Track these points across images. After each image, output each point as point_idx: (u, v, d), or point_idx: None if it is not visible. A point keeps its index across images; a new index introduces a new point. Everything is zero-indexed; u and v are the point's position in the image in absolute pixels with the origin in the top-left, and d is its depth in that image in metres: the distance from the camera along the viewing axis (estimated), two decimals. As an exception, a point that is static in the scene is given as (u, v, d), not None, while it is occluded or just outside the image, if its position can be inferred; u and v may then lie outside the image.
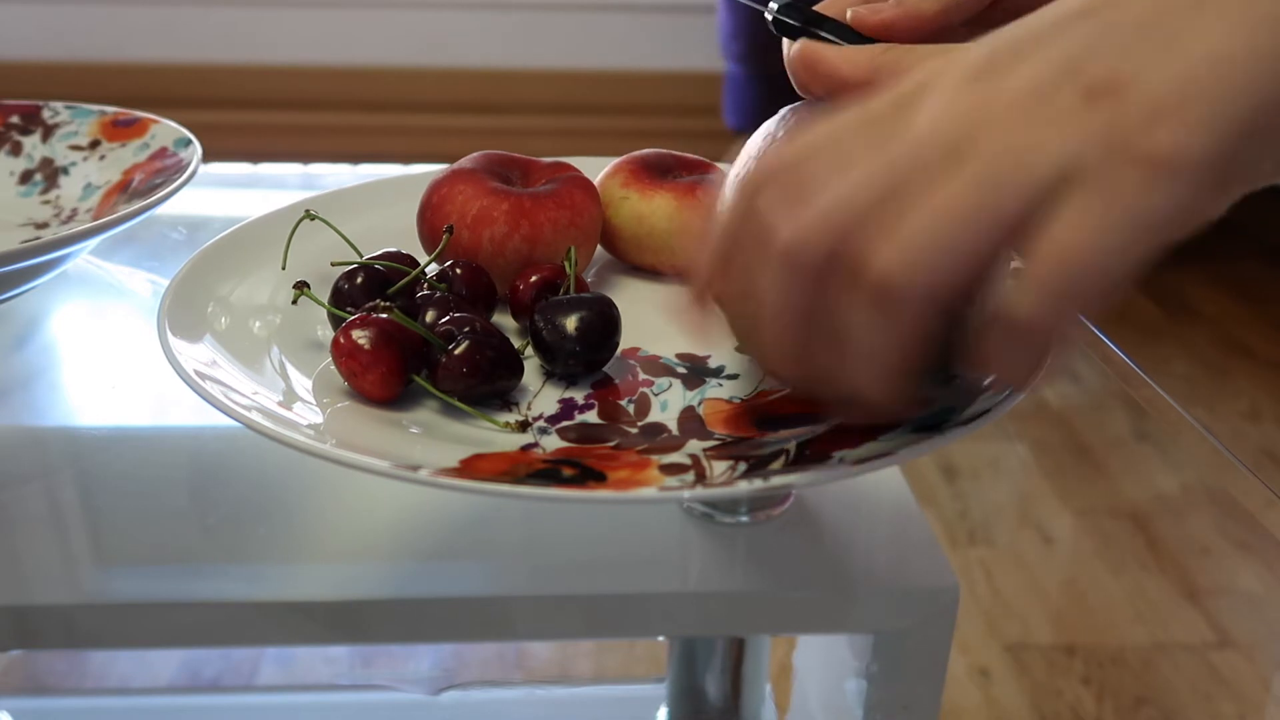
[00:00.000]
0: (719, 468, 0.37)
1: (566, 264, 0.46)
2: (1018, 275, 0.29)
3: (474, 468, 0.36)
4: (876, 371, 0.32)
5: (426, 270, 0.46)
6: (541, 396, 0.42)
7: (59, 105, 0.71)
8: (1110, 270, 0.29)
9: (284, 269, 0.48)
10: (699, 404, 0.42)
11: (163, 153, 0.65)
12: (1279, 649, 1.24)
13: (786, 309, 0.32)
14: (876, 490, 0.49)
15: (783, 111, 0.41)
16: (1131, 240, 0.28)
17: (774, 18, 0.41)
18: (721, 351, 0.46)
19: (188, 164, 0.62)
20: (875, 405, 0.33)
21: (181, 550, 0.44)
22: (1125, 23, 0.30)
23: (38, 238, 0.62)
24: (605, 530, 0.46)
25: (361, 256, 0.47)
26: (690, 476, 0.36)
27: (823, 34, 0.40)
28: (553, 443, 0.39)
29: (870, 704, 0.47)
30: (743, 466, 0.36)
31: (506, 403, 0.42)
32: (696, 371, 0.44)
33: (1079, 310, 0.30)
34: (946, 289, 0.30)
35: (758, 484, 0.35)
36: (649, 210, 0.51)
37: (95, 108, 0.70)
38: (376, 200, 0.56)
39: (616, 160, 0.54)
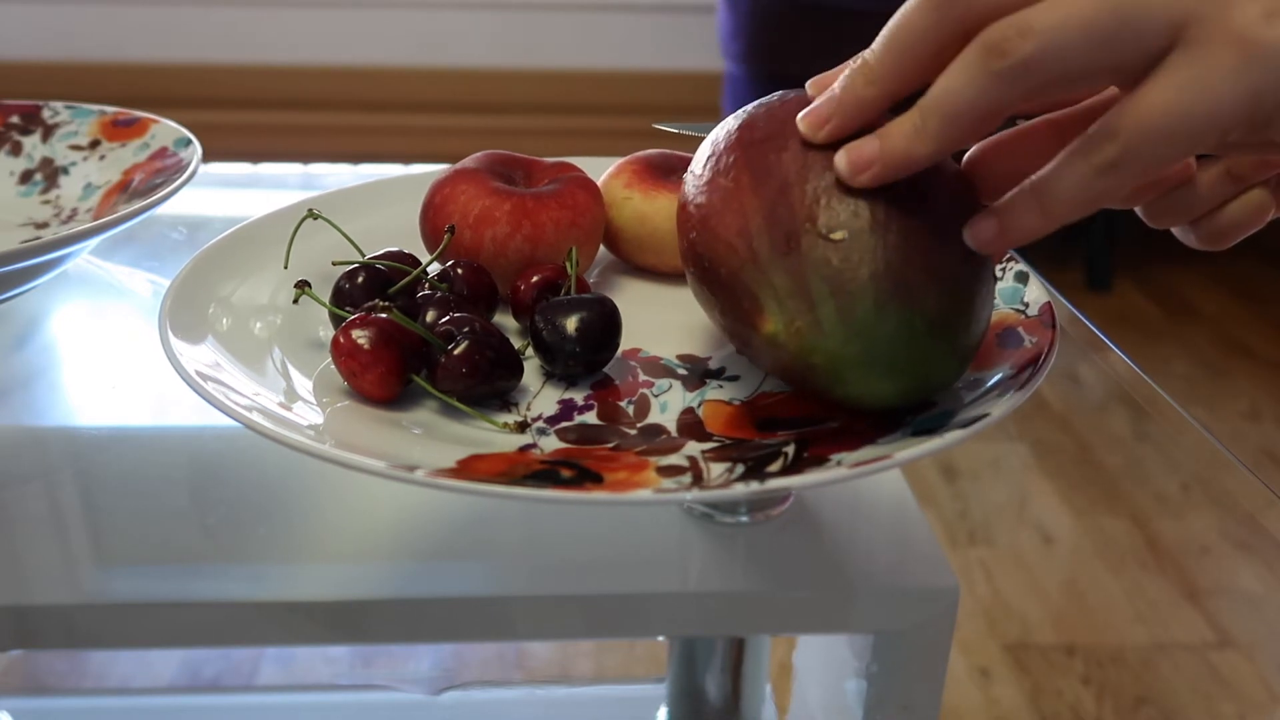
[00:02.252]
0: (717, 470, 0.37)
1: (568, 264, 0.46)
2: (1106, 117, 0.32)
3: (471, 468, 0.36)
4: (945, 112, 0.34)
5: (428, 270, 0.46)
6: (541, 397, 0.42)
7: (59, 105, 0.71)
8: (1177, 145, 0.32)
9: (286, 268, 0.48)
10: (699, 406, 0.42)
11: (163, 153, 0.65)
12: (1279, 649, 1.24)
13: (920, 28, 0.34)
14: (876, 490, 0.49)
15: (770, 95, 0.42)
16: (1206, 123, 0.31)
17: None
18: (722, 353, 0.46)
19: (188, 164, 0.62)
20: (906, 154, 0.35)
21: (181, 550, 0.44)
22: None
23: (38, 238, 0.62)
24: (605, 530, 0.46)
25: (363, 256, 0.47)
26: (688, 478, 0.36)
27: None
28: (551, 443, 0.39)
29: (870, 704, 0.47)
30: (740, 469, 0.36)
31: (506, 403, 0.42)
32: (697, 373, 0.44)
33: (1130, 175, 0.32)
34: (1045, 76, 0.32)
35: (755, 487, 0.35)
36: (652, 211, 0.51)
37: (95, 108, 0.70)
38: (379, 200, 0.56)
39: (620, 160, 0.54)
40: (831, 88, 0.37)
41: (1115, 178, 0.33)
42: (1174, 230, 0.40)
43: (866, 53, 0.36)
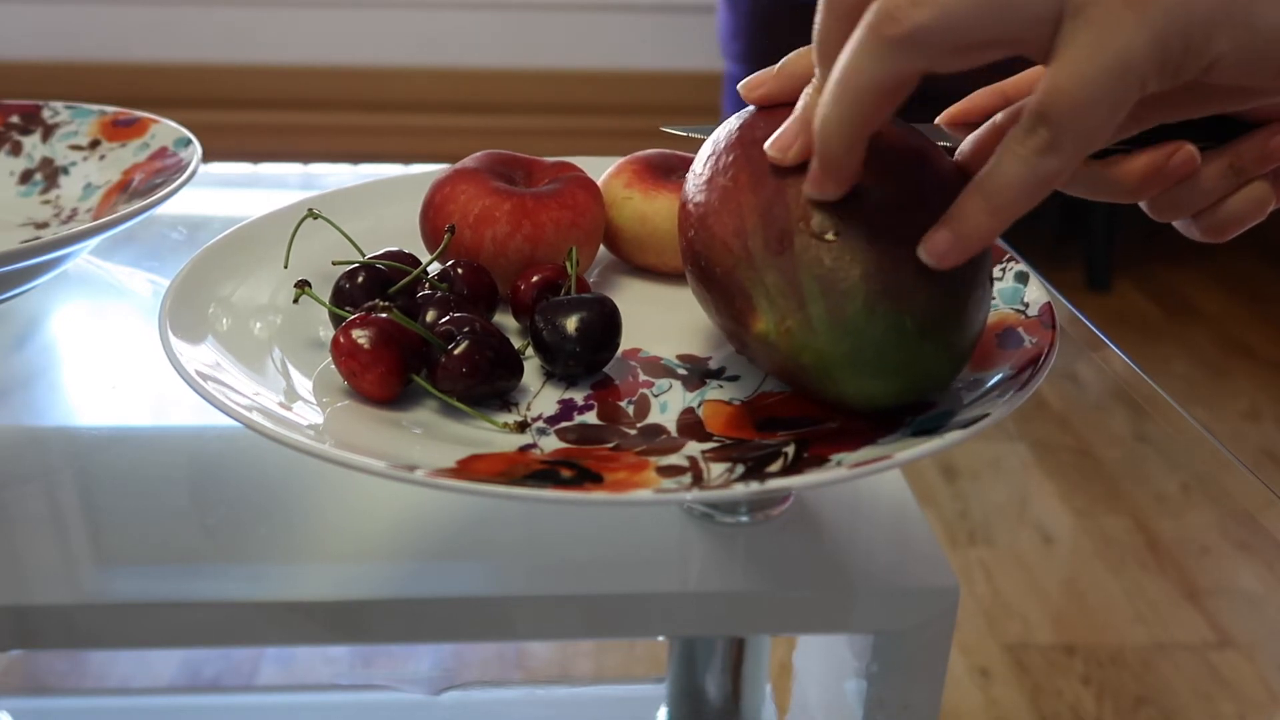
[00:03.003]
0: (717, 470, 0.37)
1: (568, 264, 0.46)
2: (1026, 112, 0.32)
3: (471, 468, 0.36)
4: (847, 86, 0.34)
5: (428, 270, 0.46)
6: (541, 397, 0.42)
7: (59, 105, 0.71)
8: (1101, 108, 0.32)
9: (286, 268, 0.48)
10: (699, 406, 0.42)
11: (163, 153, 0.65)
12: (1279, 649, 1.24)
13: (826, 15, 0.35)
14: (876, 490, 0.49)
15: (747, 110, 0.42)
16: (1119, 78, 0.31)
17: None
18: (722, 353, 0.46)
19: (188, 164, 0.62)
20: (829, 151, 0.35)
21: (181, 550, 0.44)
22: None
23: (38, 238, 0.62)
24: (605, 530, 0.46)
25: (363, 256, 0.47)
26: (688, 479, 0.36)
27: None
28: (551, 443, 0.39)
29: (870, 704, 0.47)
30: (740, 469, 0.36)
31: (506, 403, 0.42)
32: (697, 373, 0.44)
33: (1069, 152, 0.32)
34: (939, 44, 0.32)
35: (754, 487, 0.34)
36: (652, 211, 0.51)
37: (95, 108, 0.70)
38: (379, 199, 0.56)
39: (620, 160, 0.54)
40: (794, 110, 0.38)
41: (1055, 159, 0.33)
42: (1175, 224, 0.40)
43: (817, 71, 0.37)
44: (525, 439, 0.39)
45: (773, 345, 0.38)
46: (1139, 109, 0.35)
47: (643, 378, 0.44)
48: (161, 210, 0.58)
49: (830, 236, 0.36)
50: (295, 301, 0.43)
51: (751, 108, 0.41)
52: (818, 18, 0.35)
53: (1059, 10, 0.31)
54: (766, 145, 0.38)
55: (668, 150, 0.55)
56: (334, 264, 0.46)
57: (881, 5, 0.32)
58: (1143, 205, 0.40)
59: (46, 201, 0.66)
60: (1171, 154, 0.38)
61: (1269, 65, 0.32)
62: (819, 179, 0.36)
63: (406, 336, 0.40)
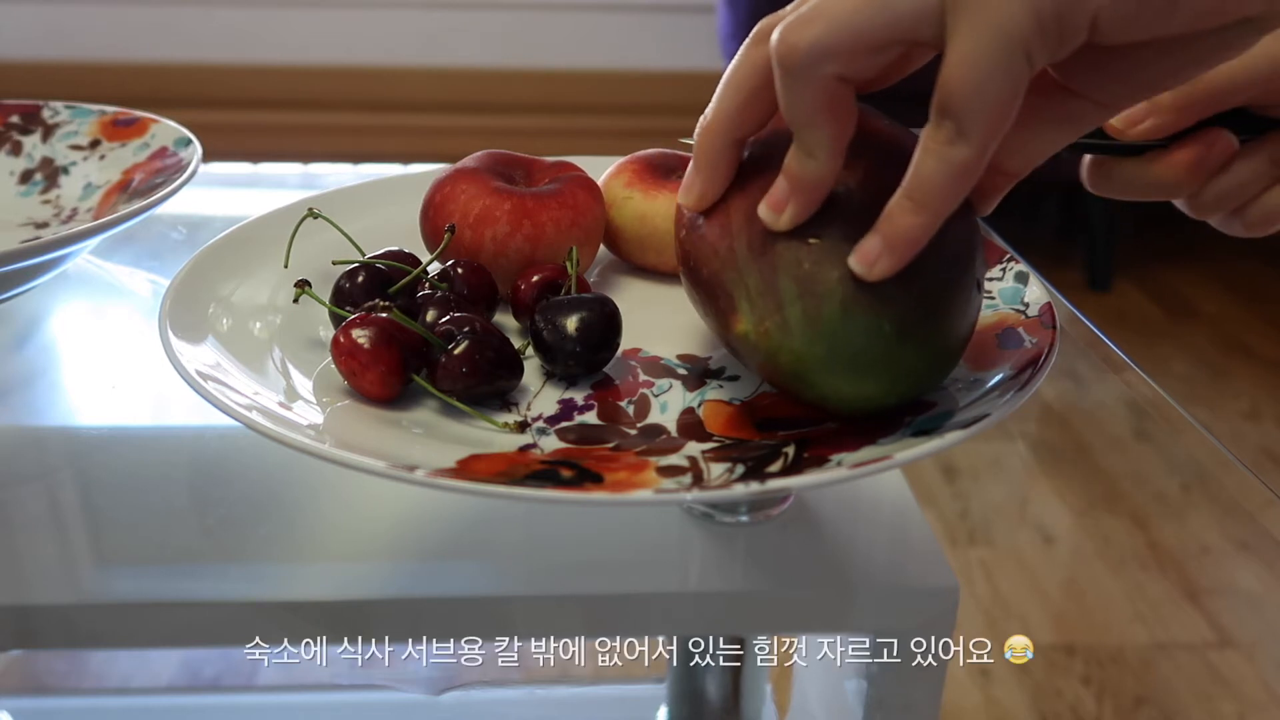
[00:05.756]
0: (717, 470, 0.37)
1: (568, 264, 0.46)
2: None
3: (471, 468, 0.36)
4: (800, 126, 0.35)
5: (428, 269, 0.46)
6: (541, 397, 0.42)
7: (59, 105, 0.71)
8: (992, 86, 0.32)
9: (286, 267, 0.48)
10: (699, 406, 0.42)
11: (163, 152, 0.65)
12: (1279, 649, 1.24)
13: (740, 65, 0.37)
14: (876, 490, 0.49)
15: None
16: (1003, 53, 0.31)
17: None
18: (722, 353, 0.46)
19: (188, 164, 0.62)
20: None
21: (181, 550, 0.45)
22: None
23: (38, 238, 0.62)
24: (605, 530, 0.46)
25: (363, 255, 0.47)
26: (688, 479, 0.36)
27: None
28: (551, 443, 0.39)
29: (870, 704, 0.47)
30: (740, 469, 0.36)
31: (506, 403, 0.42)
32: (696, 373, 0.44)
33: (978, 138, 0.32)
34: (844, 53, 0.33)
35: (755, 487, 0.34)
36: (652, 210, 0.51)
37: (95, 108, 0.70)
38: (379, 199, 0.56)
39: (620, 160, 0.54)
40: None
41: (966, 147, 0.33)
42: (1214, 221, 0.40)
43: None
44: (525, 439, 0.39)
45: (753, 346, 0.38)
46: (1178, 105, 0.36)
47: (643, 378, 0.44)
48: (161, 210, 0.58)
49: (811, 239, 0.36)
50: (295, 301, 0.43)
51: None
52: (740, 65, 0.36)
53: (940, 1, 0.32)
54: (760, 209, 0.38)
55: (668, 150, 0.55)
56: (334, 264, 0.46)
57: (777, 39, 0.34)
58: (1180, 205, 0.40)
59: (46, 201, 0.66)
60: (1211, 143, 0.38)
61: (1148, 9, 0.31)
62: (798, 210, 0.36)
63: (406, 336, 0.40)
